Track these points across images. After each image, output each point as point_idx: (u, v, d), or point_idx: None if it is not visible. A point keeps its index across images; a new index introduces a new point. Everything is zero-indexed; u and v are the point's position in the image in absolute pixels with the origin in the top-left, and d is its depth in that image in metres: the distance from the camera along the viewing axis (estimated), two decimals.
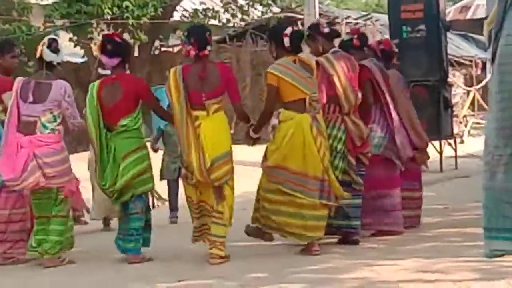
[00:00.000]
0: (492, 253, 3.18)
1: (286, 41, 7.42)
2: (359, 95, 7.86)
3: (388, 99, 8.26)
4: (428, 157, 9.11)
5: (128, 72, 7.85)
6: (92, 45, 23.18)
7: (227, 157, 7.21)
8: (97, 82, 7.68)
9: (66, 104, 7.65)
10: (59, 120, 7.71)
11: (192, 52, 7.26)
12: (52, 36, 8.27)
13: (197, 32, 7.45)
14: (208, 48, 7.32)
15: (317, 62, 7.73)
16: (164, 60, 23.84)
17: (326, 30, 7.92)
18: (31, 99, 7.63)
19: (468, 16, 34.50)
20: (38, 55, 7.76)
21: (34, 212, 7.78)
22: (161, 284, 6.50)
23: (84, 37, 22.63)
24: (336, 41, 8.21)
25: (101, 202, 9.66)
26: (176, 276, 6.74)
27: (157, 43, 24.65)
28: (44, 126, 7.62)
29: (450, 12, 32.29)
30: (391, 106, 8.28)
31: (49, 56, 7.71)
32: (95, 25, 22.30)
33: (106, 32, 23.55)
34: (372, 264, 6.84)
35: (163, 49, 25.39)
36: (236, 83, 7.60)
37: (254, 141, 7.66)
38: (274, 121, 7.54)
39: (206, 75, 7.20)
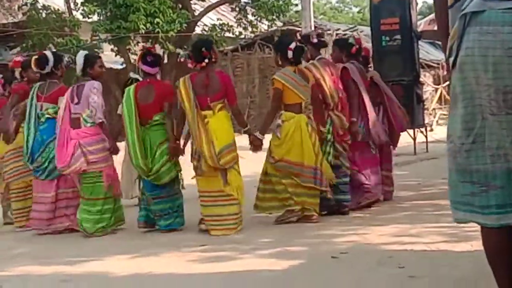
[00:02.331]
0: (456, 220, 3.17)
1: (290, 54, 7.43)
2: (343, 93, 7.87)
3: (365, 95, 8.13)
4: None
5: (159, 77, 7.85)
6: (129, 54, 23.22)
7: (231, 147, 7.18)
8: (133, 86, 7.66)
9: (91, 99, 7.64)
10: None
11: (190, 65, 7.41)
12: (46, 51, 8.37)
13: (194, 49, 7.50)
14: (206, 60, 7.26)
15: (307, 68, 7.71)
16: (187, 66, 23.78)
17: (315, 40, 7.86)
18: (76, 100, 7.71)
19: (436, 27, 34.38)
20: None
21: (81, 193, 7.72)
22: (185, 248, 6.46)
23: (123, 48, 22.65)
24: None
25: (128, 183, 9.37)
26: (198, 242, 6.71)
27: (182, 52, 24.58)
28: (86, 121, 7.65)
29: (421, 24, 32.12)
30: (366, 101, 8.13)
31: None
32: (132, 38, 22.32)
33: (142, 44, 23.66)
34: (359, 230, 6.80)
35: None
36: (233, 89, 7.52)
37: (258, 148, 7.54)
38: (278, 121, 7.48)
39: (209, 82, 7.22)
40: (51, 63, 8.03)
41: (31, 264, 6.21)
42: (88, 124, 7.65)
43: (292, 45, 7.44)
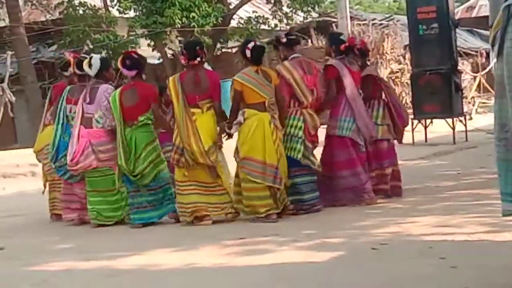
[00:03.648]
0: (506, 212, 3.16)
1: (248, 53, 7.50)
2: (318, 91, 7.83)
3: (351, 93, 8.00)
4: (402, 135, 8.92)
5: (144, 79, 8.07)
6: (166, 49, 23.35)
7: (215, 145, 7.52)
8: (118, 90, 7.95)
9: (102, 101, 8.02)
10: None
11: (183, 61, 7.70)
12: (91, 55, 8.61)
13: (188, 46, 7.78)
14: (198, 59, 7.54)
15: (277, 69, 7.78)
16: (224, 59, 23.86)
17: (284, 40, 7.88)
18: (88, 100, 8.12)
19: (473, 15, 34.02)
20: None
21: (87, 187, 8.11)
22: (225, 240, 6.52)
23: (160, 43, 22.79)
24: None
25: None
26: (237, 235, 6.76)
27: (218, 45, 24.66)
28: (98, 121, 8.06)
29: (458, 12, 31.78)
30: (353, 98, 8.00)
31: (87, 70, 8.17)
32: (168, 33, 22.44)
33: (179, 39, 23.79)
34: (398, 221, 6.80)
35: (223, 50, 25.38)
36: (219, 88, 7.66)
37: (228, 136, 7.76)
38: (239, 117, 7.59)
39: (198, 81, 7.50)
40: (94, 67, 8.19)
41: (75, 259, 6.32)
42: (99, 125, 8.07)
43: (250, 45, 7.51)
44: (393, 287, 4.44)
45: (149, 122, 7.84)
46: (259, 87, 7.40)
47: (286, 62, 7.83)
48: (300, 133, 7.64)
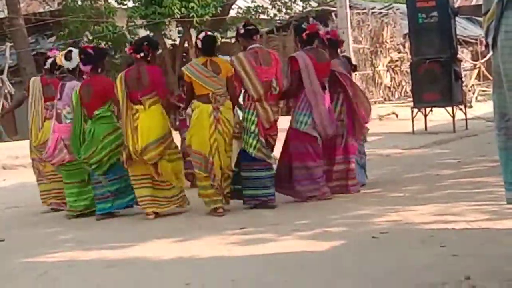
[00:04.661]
0: (510, 200, 3.15)
1: (199, 44, 7.49)
2: (280, 82, 7.66)
3: (308, 86, 7.78)
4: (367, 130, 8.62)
5: (100, 72, 8.16)
6: (165, 38, 23.30)
7: (161, 140, 7.52)
8: (79, 85, 8.10)
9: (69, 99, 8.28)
10: None
11: (127, 51, 7.91)
12: (69, 48, 8.79)
13: (138, 40, 8.01)
14: (141, 54, 7.62)
15: (230, 61, 7.70)
16: (223, 49, 23.73)
17: (242, 31, 7.79)
18: (58, 96, 8.39)
19: (473, 2, 33.91)
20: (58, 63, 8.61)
21: (64, 180, 8.35)
22: (226, 231, 6.51)
23: (159, 33, 22.74)
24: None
25: None
26: (238, 224, 6.75)
27: (217, 35, 24.62)
28: (66, 117, 8.33)
29: (458, 0, 31.73)
30: (313, 92, 7.79)
31: (64, 63, 8.46)
32: (167, 23, 22.39)
33: (178, 29, 23.74)
34: (398, 209, 6.79)
35: (222, 40, 25.32)
36: (162, 82, 7.78)
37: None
38: (188, 110, 7.75)
39: (140, 77, 7.57)
40: (74, 61, 8.36)
41: (76, 249, 6.32)
42: (68, 121, 8.29)
43: (201, 36, 7.49)
44: (395, 276, 4.42)
45: (108, 114, 7.94)
46: (203, 79, 7.36)
47: (240, 54, 7.71)
48: (253, 127, 7.52)
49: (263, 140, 7.54)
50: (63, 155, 8.23)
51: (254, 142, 7.51)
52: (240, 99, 7.88)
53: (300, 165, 7.81)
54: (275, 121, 7.68)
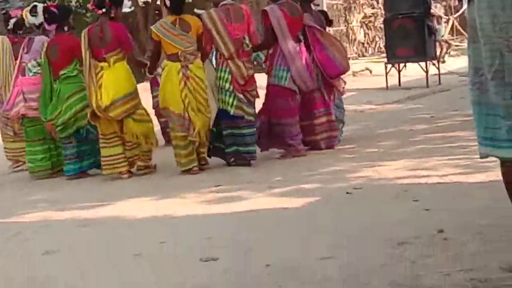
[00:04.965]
0: (482, 154, 3.16)
1: (168, 3, 7.37)
2: (253, 38, 7.60)
3: (286, 40, 7.74)
4: (344, 83, 8.54)
5: (66, 30, 8.08)
6: None
7: (128, 97, 7.46)
8: (46, 45, 8.00)
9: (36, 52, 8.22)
10: None
11: (90, 7, 7.93)
12: (34, 3, 8.61)
13: None
14: (103, 10, 7.51)
15: (201, 18, 7.59)
16: (197, 4, 23.55)
17: None
18: (25, 50, 8.30)
19: None
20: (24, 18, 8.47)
21: (25, 137, 8.33)
22: (201, 189, 6.49)
23: None
24: None
25: None
26: (213, 183, 6.73)
27: None
28: (30, 70, 8.25)
29: None
30: (288, 46, 7.72)
31: (30, 19, 8.34)
32: None
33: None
34: (373, 165, 6.79)
35: None
36: (127, 38, 7.60)
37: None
38: (158, 69, 7.74)
39: (103, 34, 7.49)
40: (39, 16, 8.25)
41: (49, 210, 6.28)
42: (31, 74, 8.23)
43: None
44: (369, 231, 4.43)
45: (74, 73, 7.84)
46: (172, 38, 7.28)
47: (211, 10, 7.61)
48: (227, 85, 7.44)
49: (241, 96, 7.45)
50: (18, 108, 8.17)
51: (231, 99, 7.44)
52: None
53: (280, 121, 7.78)
54: (250, 76, 7.58)
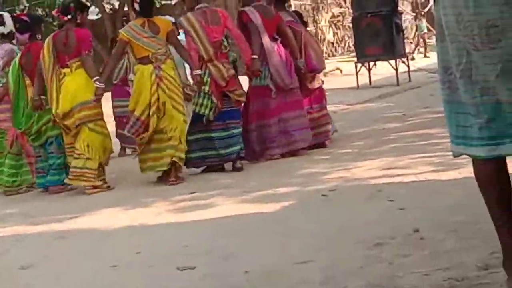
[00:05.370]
0: (455, 153, 3.18)
1: (137, 6, 7.35)
2: (224, 42, 7.60)
3: (264, 38, 7.80)
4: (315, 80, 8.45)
5: (39, 39, 7.89)
6: (104, 3, 22.92)
7: (86, 104, 7.28)
8: (20, 54, 7.85)
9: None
10: None
11: (55, 13, 7.87)
12: (1, 12, 8.60)
13: (64, 3, 7.76)
14: (69, 16, 7.40)
15: (179, 21, 7.65)
16: (164, 11, 23.50)
17: None
18: None
19: None
20: None
21: None
22: (175, 196, 6.47)
23: None
24: None
25: None
26: (187, 190, 6.72)
27: None
28: None
29: None
30: (266, 44, 7.81)
31: None
32: None
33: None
34: (347, 166, 6.83)
35: (163, 2, 25.00)
36: (89, 44, 7.47)
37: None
38: (131, 75, 7.62)
39: (67, 40, 7.36)
40: (7, 25, 8.10)
41: (22, 223, 6.22)
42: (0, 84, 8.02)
43: None
44: (345, 233, 4.45)
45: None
46: (143, 40, 7.22)
47: (189, 14, 7.60)
48: (206, 88, 7.40)
49: (215, 100, 7.38)
50: None
51: (209, 102, 7.40)
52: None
53: (258, 125, 7.80)
54: (231, 76, 7.53)
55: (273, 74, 7.79)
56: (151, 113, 7.12)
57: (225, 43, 7.56)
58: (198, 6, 7.61)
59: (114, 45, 9.78)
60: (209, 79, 7.43)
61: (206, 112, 7.41)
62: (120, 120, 9.70)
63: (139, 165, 7.34)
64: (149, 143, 7.25)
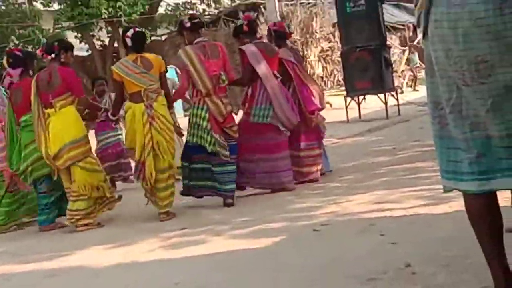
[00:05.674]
0: (446, 188, 3.20)
1: (129, 41, 7.30)
2: (230, 74, 7.62)
3: (267, 77, 7.84)
4: (323, 119, 8.58)
5: (31, 75, 7.80)
6: (94, 40, 23.03)
7: (75, 143, 7.24)
8: (10, 91, 7.81)
9: None
10: None
11: (38, 53, 7.71)
12: None
13: (48, 42, 7.79)
14: (52, 55, 7.37)
15: (180, 54, 7.62)
16: (154, 47, 23.63)
17: (188, 25, 7.61)
18: None
19: None
20: None
21: None
22: (166, 233, 6.45)
23: (87, 34, 22.50)
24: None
25: None
26: (178, 225, 6.70)
27: (147, 33, 24.49)
28: None
29: None
30: (269, 84, 7.83)
31: None
32: (95, 24, 22.13)
33: (107, 29, 23.43)
34: (337, 200, 6.83)
35: (153, 38, 25.16)
36: (76, 82, 7.42)
37: (116, 122, 8.06)
38: (121, 112, 7.65)
39: (51, 79, 7.30)
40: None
41: (12, 262, 6.17)
42: None
43: (130, 33, 7.29)
44: (337, 268, 4.44)
45: (31, 122, 7.50)
46: (134, 76, 7.15)
47: (187, 47, 7.57)
48: (205, 123, 7.40)
49: (217, 137, 7.38)
50: None
51: (209, 137, 7.39)
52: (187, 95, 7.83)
53: (262, 157, 7.81)
54: (229, 112, 7.56)
55: (279, 114, 7.80)
56: (146, 154, 7.09)
57: (223, 77, 7.53)
58: (197, 40, 7.58)
59: (95, 84, 10.21)
60: (207, 115, 7.42)
61: (207, 146, 7.39)
62: (105, 152, 9.76)
63: (157, 205, 7.27)
64: (155, 183, 7.17)
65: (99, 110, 7.89)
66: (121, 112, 7.71)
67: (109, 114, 7.68)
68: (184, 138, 7.77)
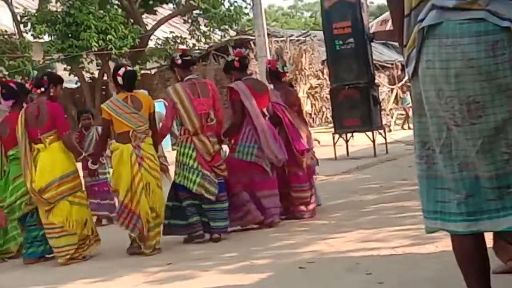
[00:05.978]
0: (429, 229, 3.19)
1: (120, 80, 7.22)
2: (219, 114, 7.58)
3: (255, 115, 7.80)
4: (314, 153, 8.61)
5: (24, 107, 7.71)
6: (83, 72, 23.08)
7: (64, 178, 7.13)
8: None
9: None
10: None
11: (27, 86, 7.70)
12: None
13: (37, 76, 7.76)
14: (42, 89, 7.27)
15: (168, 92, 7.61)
16: (143, 80, 23.69)
17: (179, 61, 7.59)
18: None
19: (388, 28, 34.61)
20: None
21: None
22: (150, 268, 6.40)
23: (77, 67, 22.55)
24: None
25: None
26: (164, 261, 6.65)
27: (137, 67, 24.53)
28: None
29: (373, 26, 32.40)
30: (257, 121, 7.80)
31: None
32: (85, 56, 22.18)
33: (97, 61, 23.48)
34: (325, 237, 6.82)
35: (142, 71, 25.22)
36: (62, 118, 7.31)
37: (93, 173, 7.91)
38: (107, 151, 7.56)
39: (39, 114, 7.21)
40: None
41: None
42: None
43: (121, 71, 7.22)
44: None
45: (18, 156, 7.39)
46: (124, 116, 7.08)
47: (177, 85, 7.53)
48: (191, 162, 7.33)
49: (207, 173, 7.32)
50: None
51: (194, 177, 7.30)
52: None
53: (245, 194, 7.74)
54: (217, 152, 7.50)
55: (266, 152, 7.75)
56: (138, 194, 6.99)
57: (212, 115, 7.48)
58: (188, 77, 7.55)
59: (81, 118, 10.18)
60: (194, 153, 7.35)
61: (191, 186, 7.30)
62: (91, 189, 9.70)
63: (148, 244, 7.13)
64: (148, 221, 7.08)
65: (80, 155, 7.72)
66: (107, 151, 7.61)
67: (89, 163, 7.62)
68: (168, 174, 7.69)
